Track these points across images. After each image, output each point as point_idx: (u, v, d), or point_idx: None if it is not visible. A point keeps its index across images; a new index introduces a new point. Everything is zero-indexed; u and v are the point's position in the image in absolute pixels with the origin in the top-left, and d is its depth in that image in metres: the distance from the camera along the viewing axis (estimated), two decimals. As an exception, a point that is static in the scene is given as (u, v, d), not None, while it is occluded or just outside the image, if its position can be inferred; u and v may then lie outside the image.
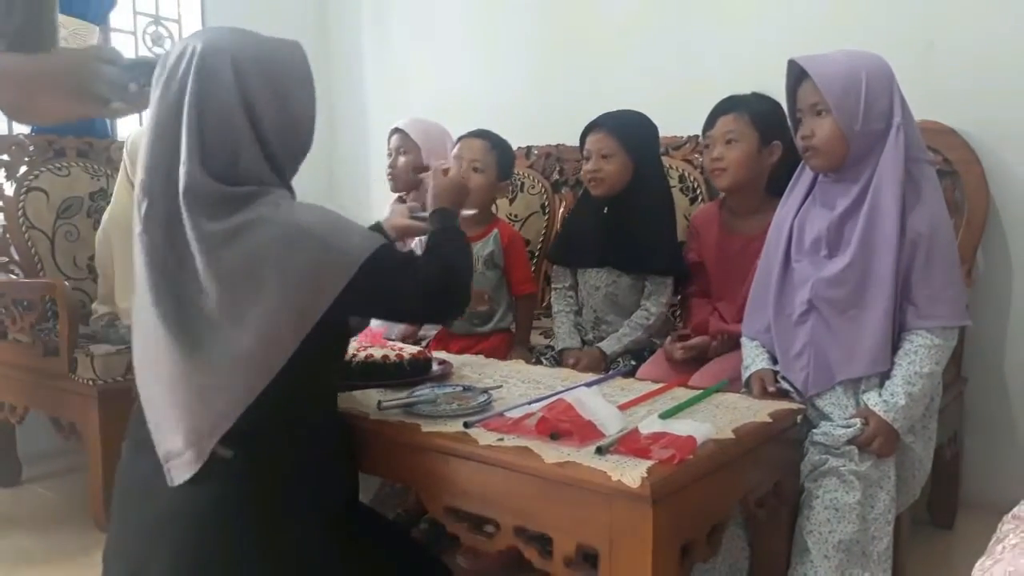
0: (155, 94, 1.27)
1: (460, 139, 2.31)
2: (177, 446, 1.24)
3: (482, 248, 2.22)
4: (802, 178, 1.74)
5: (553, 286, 2.30)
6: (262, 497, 1.26)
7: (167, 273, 1.24)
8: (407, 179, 2.46)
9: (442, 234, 1.49)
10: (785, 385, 1.67)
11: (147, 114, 1.32)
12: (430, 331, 2.34)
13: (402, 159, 2.46)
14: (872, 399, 1.58)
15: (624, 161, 2.08)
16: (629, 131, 2.10)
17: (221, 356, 1.21)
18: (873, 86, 1.58)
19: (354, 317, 1.44)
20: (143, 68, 1.55)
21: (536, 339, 2.39)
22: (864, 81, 1.57)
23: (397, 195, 2.54)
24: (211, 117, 1.23)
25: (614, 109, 2.16)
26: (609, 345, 2.08)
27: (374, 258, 1.25)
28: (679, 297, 2.20)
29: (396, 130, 2.51)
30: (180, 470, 1.24)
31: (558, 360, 2.11)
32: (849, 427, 1.55)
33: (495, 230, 2.27)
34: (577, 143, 2.76)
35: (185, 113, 1.23)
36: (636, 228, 2.09)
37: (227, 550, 1.24)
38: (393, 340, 1.90)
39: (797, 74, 1.66)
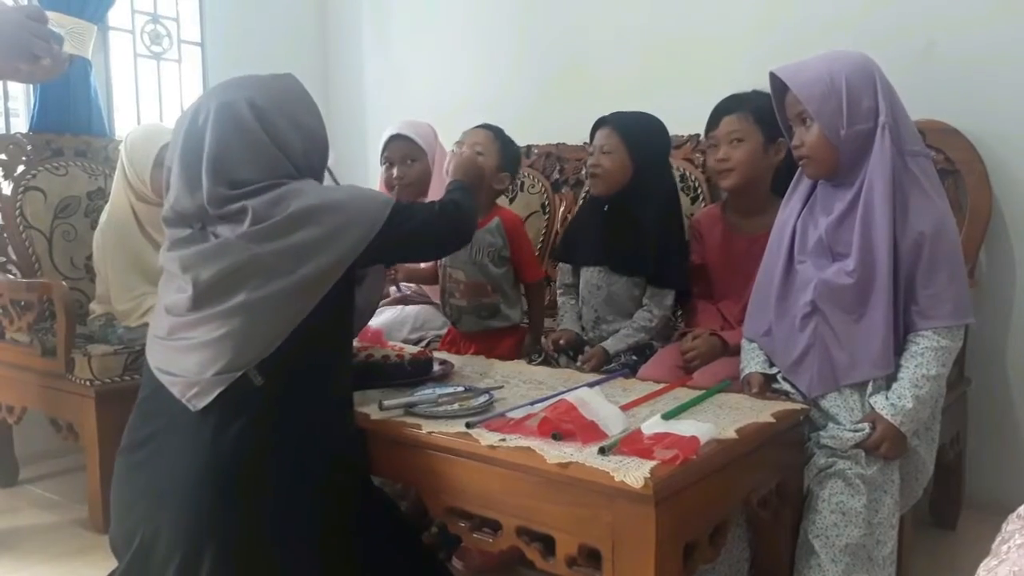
0: (176, 151, 1.46)
1: (468, 131, 2.26)
2: (207, 375, 1.36)
3: (483, 237, 2.16)
4: (803, 180, 1.72)
5: (558, 283, 2.28)
6: (283, 425, 1.38)
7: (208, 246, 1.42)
8: (419, 188, 2.41)
9: (453, 190, 1.74)
10: (786, 386, 1.66)
11: (173, 165, 1.47)
12: (432, 331, 2.33)
13: (416, 167, 2.40)
14: (879, 402, 1.56)
15: (623, 160, 2.05)
16: (634, 131, 2.07)
17: (265, 299, 1.38)
18: (854, 87, 1.56)
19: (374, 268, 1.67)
20: (54, 33, 1.56)
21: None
22: (844, 83, 1.55)
23: None
24: (236, 153, 1.43)
25: (616, 109, 2.14)
26: (613, 345, 2.06)
27: (398, 205, 1.52)
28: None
29: (400, 137, 2.40)
30: (204, 394, 1.36)
31: (571, 356, 2.10)
32: (857, 431, 1.54)
33: (496, 218, 2.22)
34: (577, 142, 2.75)
35: (205, 155, 1.42)
36: (629, 231, 2.07)
37: (249, 466, 1.35)
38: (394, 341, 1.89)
39: (780, 85, 1.64)
